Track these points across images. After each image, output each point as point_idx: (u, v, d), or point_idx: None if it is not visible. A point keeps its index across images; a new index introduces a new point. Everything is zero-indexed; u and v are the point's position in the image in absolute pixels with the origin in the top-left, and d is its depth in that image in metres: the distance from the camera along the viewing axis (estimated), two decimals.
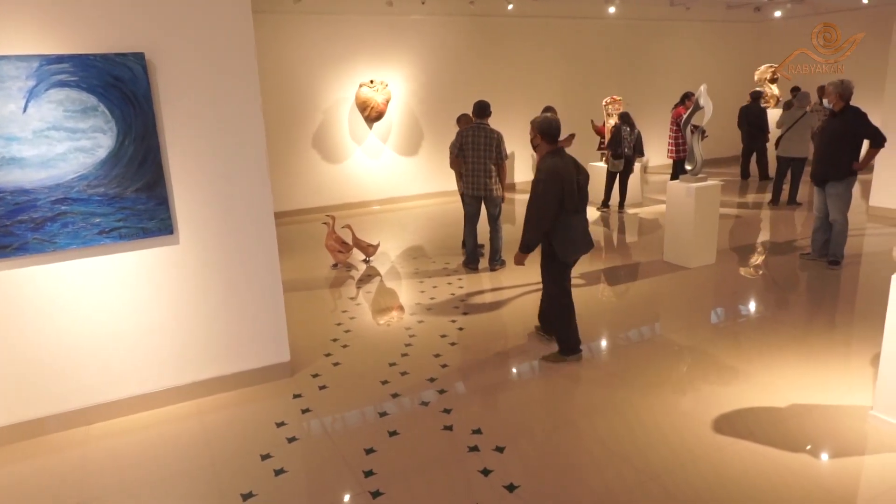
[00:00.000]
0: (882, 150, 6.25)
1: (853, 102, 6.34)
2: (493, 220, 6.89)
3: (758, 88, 12.01)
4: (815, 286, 6.31)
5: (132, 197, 3.73)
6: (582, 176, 4.38)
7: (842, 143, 6.31)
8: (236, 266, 4.18)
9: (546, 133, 4.41)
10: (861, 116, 6.31)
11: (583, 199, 4.42)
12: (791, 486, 3.10)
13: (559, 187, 4.22)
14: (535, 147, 4.55)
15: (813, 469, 3.24)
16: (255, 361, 4.37)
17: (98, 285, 3.81)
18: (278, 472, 3.37)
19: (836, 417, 3.71)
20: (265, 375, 4.40)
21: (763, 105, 11.83)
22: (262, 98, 4.17)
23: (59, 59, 3.41)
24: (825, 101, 8.22)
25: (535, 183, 4.32)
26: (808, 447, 3.42)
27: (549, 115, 4.61)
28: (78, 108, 3.51)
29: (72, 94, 3.48)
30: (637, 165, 9.98)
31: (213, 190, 4.02)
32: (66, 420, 3.85)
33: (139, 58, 3.58)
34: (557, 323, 4.68)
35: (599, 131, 10.37)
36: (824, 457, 3.35)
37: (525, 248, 4.45)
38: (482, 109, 6.71)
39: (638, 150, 9.53)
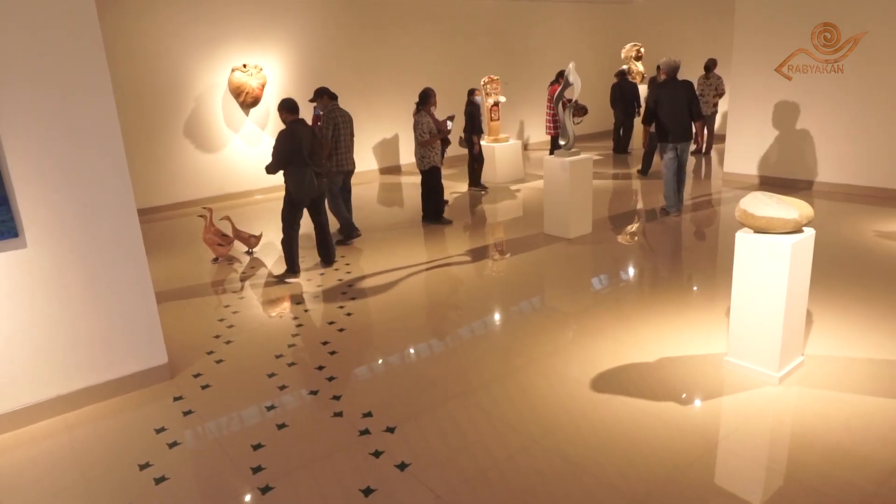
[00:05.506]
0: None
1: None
2: (349, 192, 7.61)
3: (623, 67, 12.71)
4: (681, 248, 6.83)
5: None
6: (316, 142, 6.14)
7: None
8: (97, 267, 3.87)
9: (285, 109, 6.00)
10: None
11: (312, 157, 5.98)
12: (662, 432, 3.35)
13: (288, 147, 5.83)
14: (283, 120, 6.03)
15: (679, 415, 3.52)
16: (129, 367, 4.09)
17: None
18: (159, 481, 3.19)
19: (697, 366, 4.06)
20: (141, 381, 4.14)
21: (631, 80, 12.54)
22: (126, 85, 3.87)
23: None
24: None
25: (276, 140, 5.92)
26: (675, 395, 3.72)
27: (288, 97, 6.13)
28: None
29: None
30: (517, 143, 10.25)
31: (64, 187, 3.68)
32: None
33: None
34: (283, 248, 6.19)
35: None
36: (689, 402, 3.66)
37: (266, 171, 6.00)
38: (332, 93, 7.38)
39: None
